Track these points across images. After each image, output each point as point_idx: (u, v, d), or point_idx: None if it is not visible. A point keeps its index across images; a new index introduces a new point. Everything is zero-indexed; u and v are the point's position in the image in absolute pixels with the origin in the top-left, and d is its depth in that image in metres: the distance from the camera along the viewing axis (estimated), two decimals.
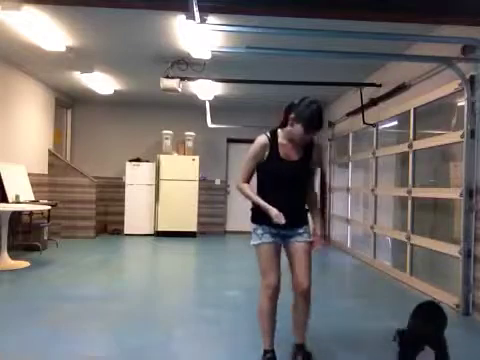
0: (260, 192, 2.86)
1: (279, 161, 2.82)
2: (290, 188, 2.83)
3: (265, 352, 2.87)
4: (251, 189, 2.87)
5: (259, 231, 2.84)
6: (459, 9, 3.95)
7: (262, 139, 2.84)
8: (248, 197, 2.86)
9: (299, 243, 2.87)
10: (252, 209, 2.93)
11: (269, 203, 2.75)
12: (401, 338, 2.54)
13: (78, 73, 7.57)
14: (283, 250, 2.92)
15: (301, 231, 2.89)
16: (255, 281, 3.10)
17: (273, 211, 2.71)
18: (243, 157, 2.89)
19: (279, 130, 2.87)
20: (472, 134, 4.40)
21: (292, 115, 2.76)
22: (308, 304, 2.91)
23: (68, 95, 9.82)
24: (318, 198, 3.07)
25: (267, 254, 2.82)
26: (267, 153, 2.82)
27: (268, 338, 2.87)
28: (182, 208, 9.61)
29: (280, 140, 2.84)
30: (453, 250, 4.62)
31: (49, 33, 5.48)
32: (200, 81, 7.12)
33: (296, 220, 2.87)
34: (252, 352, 3.23)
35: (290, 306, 2.97)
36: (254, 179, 2.95)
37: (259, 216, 2.83)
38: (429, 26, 4.83)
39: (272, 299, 2.82)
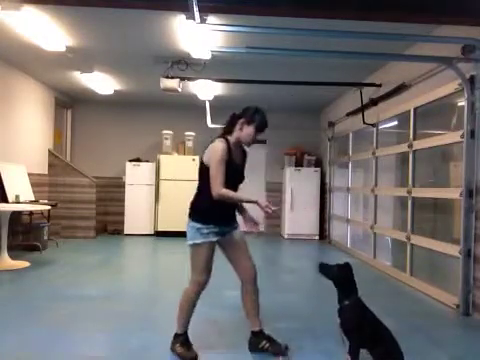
0: (209, 195, 3.00)
1: (233, 164, 3.08)
2: (234, 188, 3.11)
3: (182, 335, 3.17)
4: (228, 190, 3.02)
5: (204, 230, 3.07)
6: (459, 9, 3.95)
7: (222, 145, 3.03)
8: (233, 198, 3.06)
9: (237, 234, 3.21)
10: (202, 210, 3.12)
11: (218, 203, 3.00)
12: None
13: (78, 73, 7.58)
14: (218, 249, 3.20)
15: (236, 225, 3.24)
16: None
17: (263, 201, 2.95)
18: (212, 166, 3.00)
19: (229, 137, 3.11)
20: (472, 134, 4.40)
21: (241, 120, 3.09)
22: (257, 287, 3.22)
23: (68, 95, 9.82)
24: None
25: (209, 252, 3.09)
26: (226, 158, 3.03)
27: (186, 324, 3.19)
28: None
29: (231, 147, 3.09)
30: (453, 250, 4.62)
31: (49, 33, 5.48)
32: (200, 81, 7.12)
33: (234, 216, 3.23)
34: (250, 354, 3.24)
35: (242, 298, 3.22)
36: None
37: (210, 216, 3.07)
38: (429, 26, 4.83)
39: (200, 293, 3.16)
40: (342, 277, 2.94)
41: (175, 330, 3.20)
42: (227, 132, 3.14)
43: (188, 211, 3.25)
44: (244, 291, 3.24)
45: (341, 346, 2.93)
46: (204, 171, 3.06)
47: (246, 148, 3.24)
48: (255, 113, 3.12)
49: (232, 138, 3.11)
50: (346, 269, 2.98)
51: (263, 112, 3.16)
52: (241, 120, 3.10)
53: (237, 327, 3.73)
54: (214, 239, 3.10)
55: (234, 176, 3.08)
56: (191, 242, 3.15)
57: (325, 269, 2.98)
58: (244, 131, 3.10)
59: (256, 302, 3.23)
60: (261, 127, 3.13)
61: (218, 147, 3.01)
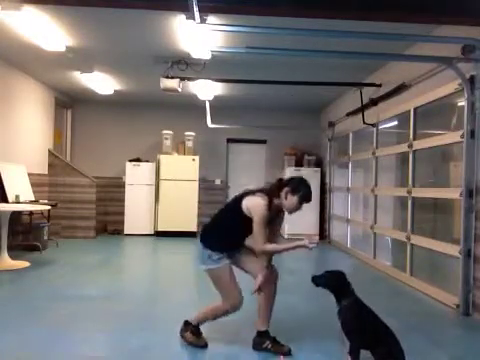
0: (234, 230, 3.26)
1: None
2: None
3: (194, 326, 3.35)
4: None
5: (215, 257, 3.20)
6: (459, 9, 3.95)
7: (265, 202, 3.16)
8: (276, 251, 3.22)
9: (245, 249, 3.36)
10: (216, 241, 3.25)
11: (236, 241, 3.31)
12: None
13: (78, 73, 7.58)
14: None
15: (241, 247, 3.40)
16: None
17: (302, 242, 3.09)
18: (256, 224, 3.13)
19: (274, 199, 3.23)
20: (472, 134, 4.40)
21: (286, 189, 3.20)
22: (276, 289, 3.32)
23: (68, 95, 9.82)
24: None
25: (229, 272, 3.22)
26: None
27: (202, 323, 3.39)
28: (182, 208, 9.61)
29: (272, 208, 3.21)
30: (453, 250, 4.62)
31: (49, 33, 5.48)
32: (200, 81, 7.12)
33: (243, 244, 3.40)
34: (253, 351, 3.24)
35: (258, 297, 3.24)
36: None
37: (224, 247, 3.23)
38: (429, 26, 4.83)
39: (228, 314, 3.28)
40: (334, 281, 2.99)
41: (188, 319, 3.37)
42: (270, 194, 3.23)
43: (201, 233, 3.39)
44: (263, 289, 3.26)
45: (341, 346, 2.93)
46: (234, 210, 3.23)
47: (288, 212, 3.31)
48: (300, 184, 3.25)
49: (275, 202, 3.22)
50: (336, 274, 3.02)
51: (308, 184, 3.28)
52: (286, 189, 3.20)
53: (237, 327, 3.73)
54: (227, 261, 3.24)
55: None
56: (205, 267, 3.27)
57: (317, 280, 3.02)
58: (288, 200, 3.20)
59: (272, 306, 3.30)
60: (305, 198, 3.22)
61: (261, 203, 3.14)
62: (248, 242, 3.36)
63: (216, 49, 5.57)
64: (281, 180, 3.31)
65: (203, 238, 3.31)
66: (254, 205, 3.15)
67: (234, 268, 3.31)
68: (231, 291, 3.20)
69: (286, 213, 3.33)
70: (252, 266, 3.29)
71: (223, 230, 3.29)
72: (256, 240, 3.14)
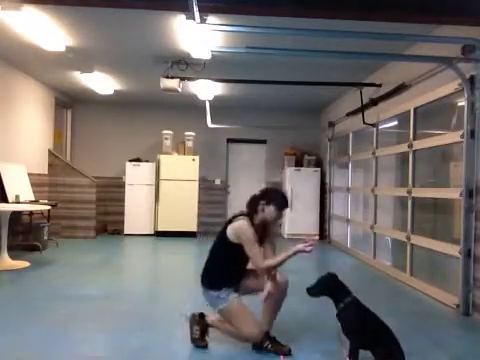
0: (229, 262, 3.23)
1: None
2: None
3: (206, 324, 3.36)
4: (269, 257, 3.24)
5: (222, 295, 3.18)
6: (459, 9, 3.95)
7: (247, 222, 3.19)
8: (278, 263, 3.15)
9: (248, 273, 3.34)
10: (214, 276, 3.26)
11: (236, 272, 3.27)
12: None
13: (78, 73, 7.58)
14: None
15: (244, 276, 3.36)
16: None
17: (300, 246, 3.10)
18: (247, 246, 3.15)
19: (254, 216, 3.25)
20: (472, 134, 4.40)
21: (262, 202, 3.23)
22: (285, 296, 3.32)
23: (68, 95, 9.82)
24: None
25: (239, 305, 3.19)
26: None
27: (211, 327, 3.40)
28: (182, 208, 9.61)
29: (254, 226, 3.23)
30: (453, 250, 4.62)
31: (49, 33, 5.48)
32: (200, 81, 7.12)
33: (244, 273, 3.36)
34: (253, 351, 3.24)
35: (265, 299, 3.18)
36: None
37: (223, 279, 3.22)
38: (429, 26, 4.83)
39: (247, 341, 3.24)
40: (328, 287, 2.99)
41: (205, 313, 3.37)
42: (249, 213, 3.26)
43: (201, 277, 3.35)
44: (271, 295, 3.23)
45: (340, 347, 2.93)
46: (223, 243, 3.24)
47: (273, 224, 3.36)
48: (272, 193, 3.32)
49: (257, 220, 3.24)
50: (328, 278, 3.02)
51: (280, 191, 3.41)
52: (261, 202, 3.23)
53: None
54: (235, 294, 3.22)
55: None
56: (217, 309, 3.24)
57: (313, 289, 3.02)
58: (266, 212, 3.22)
59: (278, 309, 3.30)
60: (281, 205, 3.25)
61: (244, 226, 3.17)
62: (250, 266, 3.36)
63: (216, 49, 5.57)
64: (255, 196, 3.32)
65: (204, 281, 3.30)
66: (237, 229, 3.18)
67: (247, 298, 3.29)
68: (248, 323, 3.16)
69: (275, 223, 3.40)
70: (257, 281, 3.26)
71: (220, 266, 3.29)
72: (255, 261, 3.14)
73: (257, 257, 3.13)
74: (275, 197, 3.26)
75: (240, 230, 3.17)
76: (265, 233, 3.33)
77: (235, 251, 3.17)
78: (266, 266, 3.13)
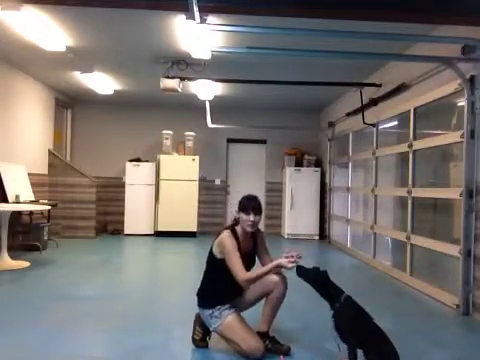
0: (219, 279, 3.20)
1: (241, 252, 3.17)
2: (247, 270, 3.21)
3: (206, 328, 3.31)
4: (252, 270, 3.21)
5: (216, 313, 3.18)
6: (459, 9, 3.95)
7: (227, 234, 3.21)
8: (258, 276, 3.11)
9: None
10: (206, 295, 3.27)
11: (225, 288, 3.19)
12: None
13: (78, 73, 7.58)
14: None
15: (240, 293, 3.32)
16: None
17: (283, 260, 3.02)
18: (227, 257, 3.13)
19: (236, 228, 3.30)
20: (472, 134, 4.40)
21: (236, 211, 3.30)
22: (284, 296, 3.28)
23: (68, 95, 9.82)
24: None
25: (235, 322, 3.15)
26: (236, 246, 3.20)
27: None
28: (182, 208, 9.61)
29: (239, 236, 3.27)
30: (453, 250, 4.63)
31: (49, 33, 5.48)
32: (200, 81, 7.12)
33: (239, 292, 3.31)
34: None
35: (266, 299, 3.22)
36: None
37: (214, 297, 3.22)
38: (429, 26, 4.84)
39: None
40: (317, 282, 3.00)
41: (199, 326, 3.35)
42: (232, 226, 3.32)
43: (197, 298, 3.34)
44: (271, 295, 3.25)
45: (337, 349, 2.92)
46: (211, 261, 3.27)
47: (249, 229, 3.30)
48: (241, 199, 3.34)
49: (239, 231, 3.29)
50: (321, 275, 3.02)
51: (246, 195, 3.36)
52: (236, 212, 3.32)
53: None
54: (229, 311, 3.20)
55: (245, 261, 3.18)
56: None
57: (302, 271, 3.03)
58: (241, 219, 3.27)
59: (277, 309, 3.28)
60: (243, 207, 3.26)
61: (224, 238, 3.19)
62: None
63: (216, 49, 5.57)
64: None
65: (199, 301, 3.31)
66: (219, 242, 3.22)
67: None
68: (245, 338, 3.10)
69: (262, 232, 3.47)
70: (261, 285, 3.22)
71: (211, 284, 3.30)
72: (234, 272, 3.08)
73: (236, 267, 3.08)
74: (240, 202, 3.31)
75: (220, 243, 3.21)
76: (255, 242, 3.36)
77: (224, 267, 3.16)
78: (246, 278, 3.08)
